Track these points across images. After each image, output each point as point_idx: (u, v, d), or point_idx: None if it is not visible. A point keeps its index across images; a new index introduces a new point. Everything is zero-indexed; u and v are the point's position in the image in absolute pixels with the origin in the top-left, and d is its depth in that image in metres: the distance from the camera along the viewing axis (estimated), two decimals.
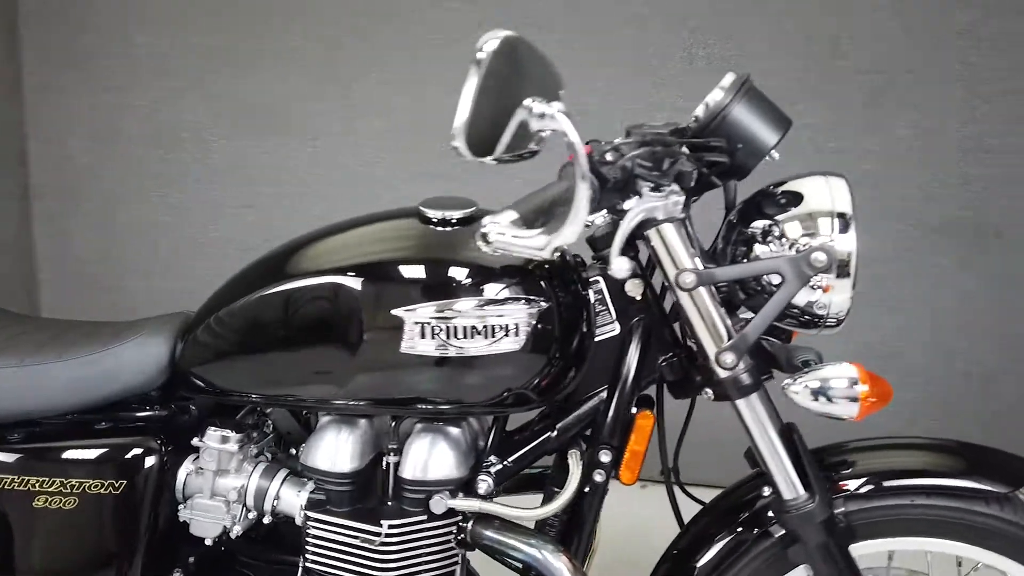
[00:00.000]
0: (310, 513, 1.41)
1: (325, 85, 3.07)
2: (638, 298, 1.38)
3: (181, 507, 1.47)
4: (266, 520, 1.46)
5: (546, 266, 1.36)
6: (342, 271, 1.36)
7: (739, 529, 1.42)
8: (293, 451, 1.55)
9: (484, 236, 1.16)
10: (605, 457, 1.39)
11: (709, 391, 1.33)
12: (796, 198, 1.30)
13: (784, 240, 1.28)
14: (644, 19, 2.77)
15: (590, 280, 1.40)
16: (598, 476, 1.40)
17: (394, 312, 1.31)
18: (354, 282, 1.35)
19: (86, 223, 3.27)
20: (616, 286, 1.39)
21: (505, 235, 1.15)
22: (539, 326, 1.32)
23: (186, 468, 1.47)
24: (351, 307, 1.34)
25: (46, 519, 1.44)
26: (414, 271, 1.35)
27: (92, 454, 1.45)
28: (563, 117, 1.12)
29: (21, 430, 1.48)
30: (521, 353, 1.32)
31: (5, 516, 1.46)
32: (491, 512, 1.39)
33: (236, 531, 1.45)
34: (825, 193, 1.29)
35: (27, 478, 1.44)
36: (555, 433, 1.43)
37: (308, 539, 1.42)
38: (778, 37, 2.71)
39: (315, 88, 3.07)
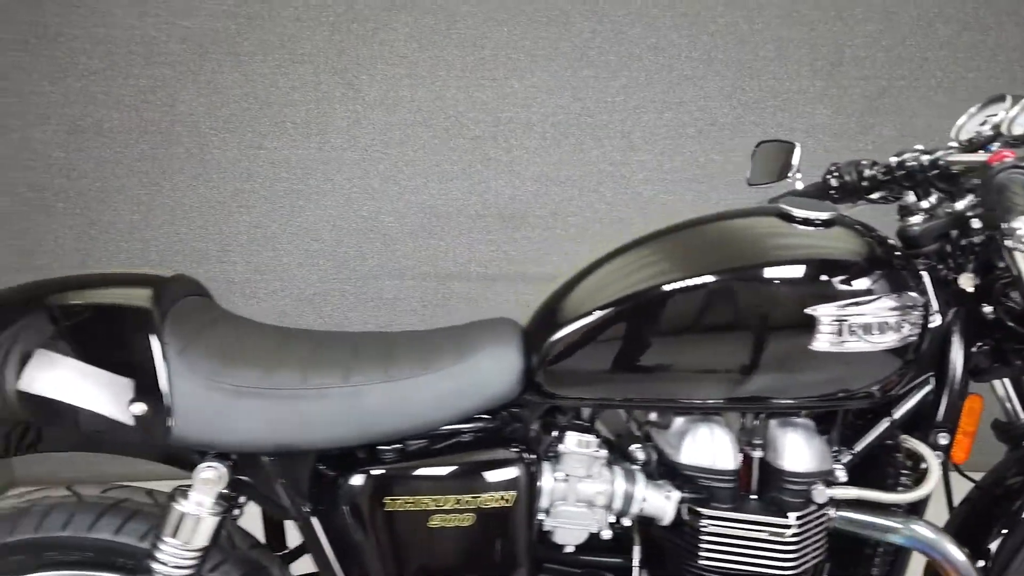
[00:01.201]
0: (703, 511, 1.42)
1: (331, 76, 2.92)
2: (970, 290, 1.50)
3: (543, 516, 1.43)
4: (626, 522, 1.45)
5: (899, 261, 1.45)
6: (740, 270, 1.37)
7: None
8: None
9: (1019, 237, 1.22)
10: (943, 440, 1.51)
11: None
12: None
13: None
14: None
15: (921, 273, 1.51)
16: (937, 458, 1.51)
17: (807, 311, 1.35)
18: (761, 281, 1.36)
19: (60, 225, 2.89)
20: (938, 278, 1.51)
21: None
22: (919, 318, 1.41)
23: (549, 476, 1.43)
24: (759, 306, 1.35)
25: (443, 539, 1.38)
26: (822, 270, 1.37)
27: (481, 469, 1.38)
28: None
29: (392, 450, 1.39)
30: (905, 346, 1.40)
31: (399, 539, 1.37)
32: (868, 499, 1.47)
33: (606, 535, 1.44)
34: None
35: (421, 498, 1.36)
36: (891, 421, 1.52)
37: (702, 537, 1.42)
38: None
39: (320, 79, 2.92)
